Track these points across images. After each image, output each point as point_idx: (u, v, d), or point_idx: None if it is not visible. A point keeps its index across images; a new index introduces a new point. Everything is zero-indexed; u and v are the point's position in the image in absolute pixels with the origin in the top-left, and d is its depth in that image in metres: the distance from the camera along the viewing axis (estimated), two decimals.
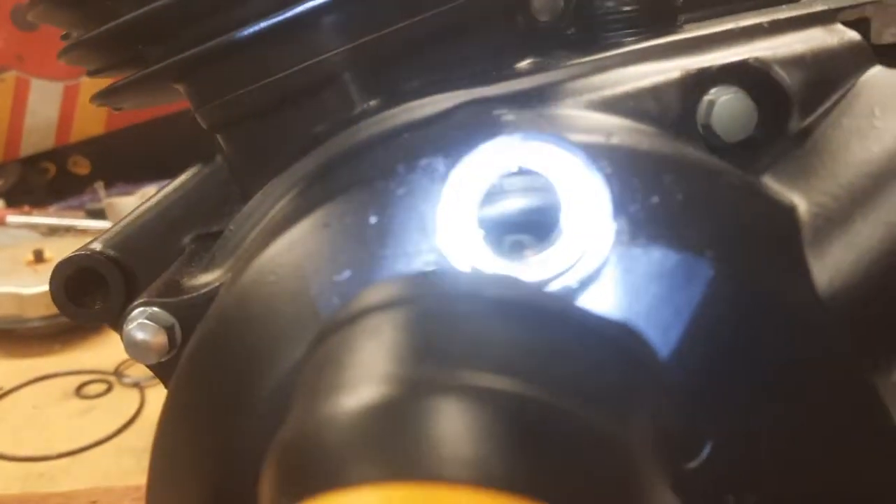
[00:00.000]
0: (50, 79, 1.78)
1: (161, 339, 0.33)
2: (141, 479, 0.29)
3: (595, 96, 0.32)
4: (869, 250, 0.25)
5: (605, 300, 0.24)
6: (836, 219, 0.26)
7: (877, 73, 0.30)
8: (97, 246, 0.44)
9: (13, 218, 1.54)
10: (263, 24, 0.33)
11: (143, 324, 0.33)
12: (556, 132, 0.26)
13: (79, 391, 1.04)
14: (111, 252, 0.43)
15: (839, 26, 0.33)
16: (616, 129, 0.29)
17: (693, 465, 0.24)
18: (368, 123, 0.34)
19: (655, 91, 0.31)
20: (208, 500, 0.25)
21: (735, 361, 0.24)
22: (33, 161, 1.86)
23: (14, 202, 1.73)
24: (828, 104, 0.30)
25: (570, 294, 0.24)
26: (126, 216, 0.46)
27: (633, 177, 0.25)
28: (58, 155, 1.86)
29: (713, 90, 0.32)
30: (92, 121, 1.81)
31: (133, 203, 0.72)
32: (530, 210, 0.27)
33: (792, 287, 0.25)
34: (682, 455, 0.24)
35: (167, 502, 0.28)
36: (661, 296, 0.24)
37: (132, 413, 0.97)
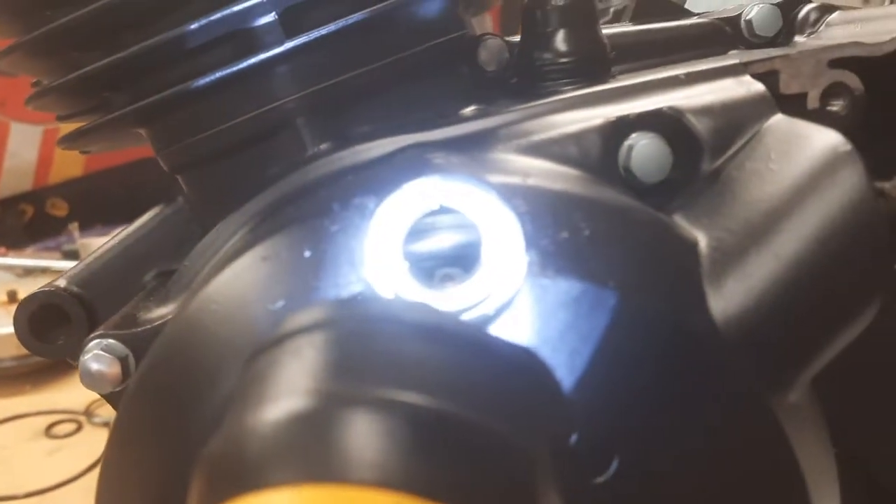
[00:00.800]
0: (30, 122, 1.80)
1: (115, 369, 0.35)
2: None
3: (524, 141, 0.35)
4: (759, 280, 0.27)
5: (518, 327, 0.26)
6: (731, 252, 0.28)
7: (777, 120, 0.33)
8: (61, 283, 0.46)
9: None
10: (217, 75, 0.36)
11: (98, 354, 0.34)
12: (479, 174, 0.29)
13: (48, 431, 1.05)
14: (74, 289, 0.45)
15: (747, 78, 0.36)
16: (536, 171, 0.31)
17: (601, 479, 0.26)
18: (316, 165, 0.36)
19: (578, 137, 0.34)
20: None
21: (639, 383, 0.27)
22: (11, 203, 1.87)
23: None
24: (734, 148, 0.33)
25: (486, 321, 0.26)
26: (90, 254, 0.48)
27: (545, 214, 0.27)
28: (36, 197, 1.87)
29: (633, 136, 0.34)
30: (70, 163, 1.83)
31: None
32: (460, 246, 0.29)
33: (690, 315, 0.27)
34: (590, 470, 0.26)
35: None
36: (569, 323, 0.26)
37: (101, 452, 0.97)
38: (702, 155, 0.34)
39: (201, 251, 0.37)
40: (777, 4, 0.49)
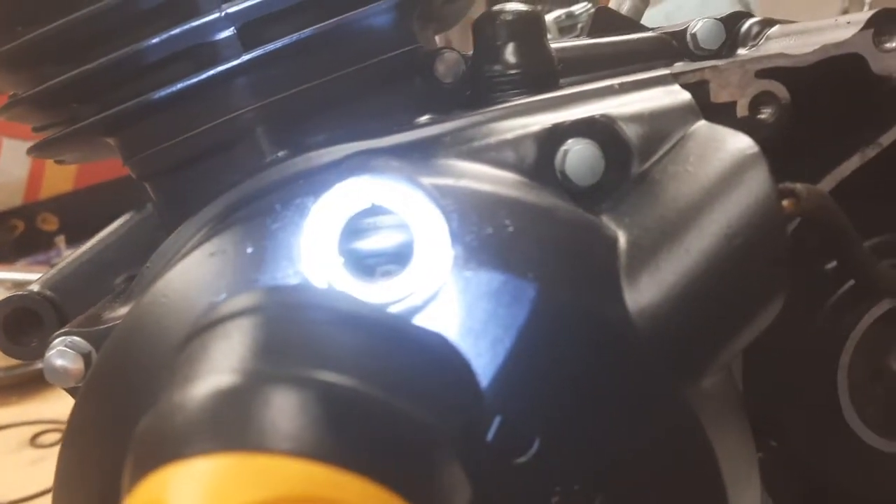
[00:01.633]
0: (21, 139, 1.82)
1: (79, 365, 0.36)
2: None
3: (464, 147, 0.37)
4: (670, 274, 0.29)
5: (444, 317, 0.28)
6: (647, 248, 0.30)
7: (699, 126, 0.35)
8: (34, 287, 0.48)
9: None
10: (176, 87, 0.38)
11: (62, 351, 0.36)
12: (413, 175, 0.31)
13: (33, 441, 1.06)
14: (47, 292, 0.47)
15: (676, 87, 0.38)
16: (470, 173, 0.33)
17: (523, 459, 0.28)
18: (270, 172, 0.38)
19: (515, 143, 0.36)
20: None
21: (557, 370, 0.28)
22: (2, 218, 1.89)
23: None
24: (661, 153, 0.35)
25: (414, 312, 0.28)
26: (63, 260, 0.50)
27: (471, 212, 0.29)
28: (27, 212, 1.89)
29: (568, 141, 0.36)
30: (61, 179, 1.85)
31: None
32: (399, 244, 0.31)
33: (605, 307, 0.29)
34: (512, 451, 0.28)
35: None
36: (490, 312, 0.28)
37: None
38: (631, 159, 0.36)
39: (162, 253, 0.39)
40: (720, 19, 0.51)
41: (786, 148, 0.40)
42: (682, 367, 0.29)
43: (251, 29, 0.39)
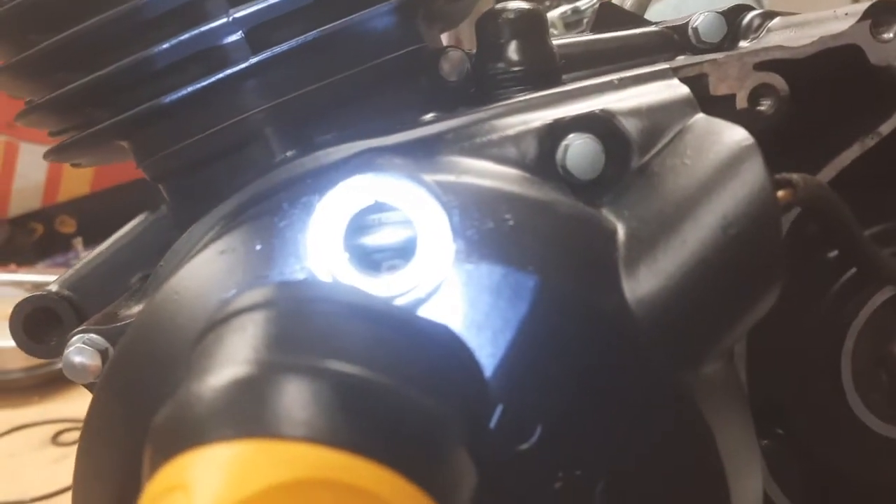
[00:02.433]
0: (38, 143, 1.84)
1: (96, 361, 0.38)
2: None
3: (467, 144, 0.38)
4: (668, 264, 0.30)
5: (447, 309, 0.29)
6: (645, 240, 0.31)
7: (697, 119, 0.36)
8: (53, 287, 0.49)
9: None
10: (186, 90, 0.39)
11: (80, 347, 0.38)
12: (416, 172, 0.32)
13: (55, 439, 1.08)
14: (65, 292, 0.48)
15: (674, 81, 0.39)
16: (472, 169, 0.34)
17: (525, 446, 0.29)
18: (279, 171, 0.39)
19: (516, 138, 0.37)
20: (114, 498, 0.30)
21: (558, 359, 0.29)
22: (21, 221, 1.91)
23: (2, 261, 1.77)
24: (659, 146, 0.36)
25: (418, 304, 0.29)
26: (81, 260, 0.52)
27: (472, 207, 0.30)
28: (45, 215, 1.92)
29: (569, 136, 0.37)
30: (78, 181, 1.88)
31: None
32: (405, 239, 0.32)
33: (604, 297, 0.30)
34: (515, 438, 0.29)
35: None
36: (492, 304, 0.29)
37: None
38: (631, 153, 0.36)
39: (175, 252, 0.40)
40: (721, 12, 0.52)
41: (786, 139, 0.41)
42: (680, 355, 0.30)
43: (259, 32, 0.40)
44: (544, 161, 0.37)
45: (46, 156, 0.46)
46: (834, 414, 0.44)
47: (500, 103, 0.41)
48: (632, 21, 0.60)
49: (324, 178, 0.35)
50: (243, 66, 0.40)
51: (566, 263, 0.30)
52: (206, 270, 0.32)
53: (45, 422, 1.11)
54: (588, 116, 0.37)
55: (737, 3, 0.54)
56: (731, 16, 0.52)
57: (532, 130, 0.37)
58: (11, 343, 1.23)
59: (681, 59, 0.49)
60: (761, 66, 0.40)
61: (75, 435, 1.08)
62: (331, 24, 0.41)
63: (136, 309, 0.39)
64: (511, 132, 0.37)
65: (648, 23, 0.60)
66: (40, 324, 0.48)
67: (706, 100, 0.40)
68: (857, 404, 0.44)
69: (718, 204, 0.31)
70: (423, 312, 0.29)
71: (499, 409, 0.29)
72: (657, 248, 0.30)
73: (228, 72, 0.40)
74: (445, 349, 0.26)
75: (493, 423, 0.29)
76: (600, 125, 0.37)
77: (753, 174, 0.31)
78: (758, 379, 0.43)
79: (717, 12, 0.52)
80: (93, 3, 0.39)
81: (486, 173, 0.34)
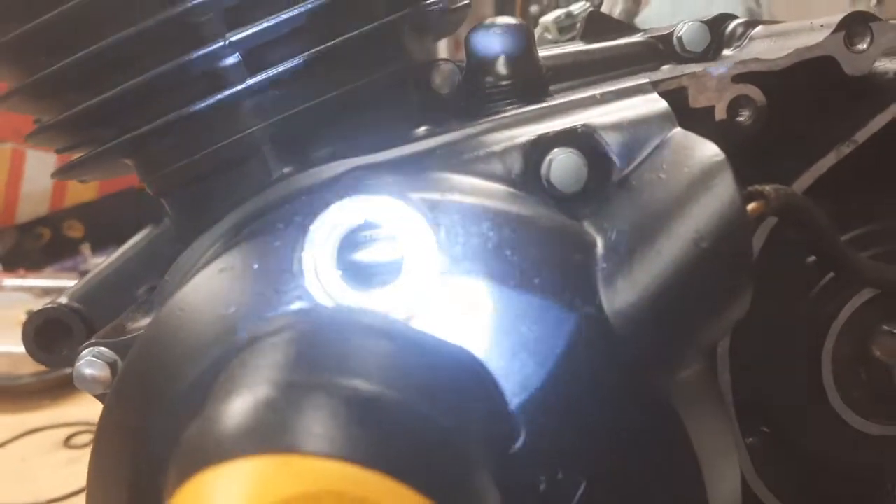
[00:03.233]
0: (45, 149, 1.87)
1: (106, 372, 0.39)
2: None
3: (455, 160, 0.39)
4: (643, 275, 0.32)
5: (433, 323, 0.31)
6: (622, 252, 0.33)
7: (674, 133, 0.37)
8: (63, 300, 0.51)
9: (8, 281, 1.61)
10: (188, 110, 0.41)
11: (90, 360, 0.39)
12: (404, 191, 0.33)
13: (67, 442, 1.10)
14: (75, 304, 0.50)
15: (654, 96, 0.40)
16: (458, 186, 0.36)
17: (511, 450, 0.31)
18: (275, 188, 0.41)
19: (503, 154, 0.39)
20: (124, 501, 0.32)
21: (540, 367, 0.31)
22: (29, 227, 1.94)
23: (10, 266, 1.80)
24: (639, 160, 0.38)
25: (407, 319, 0.31)
26: (89, 273, 0.54)
27: (457, 224, 0.32)
28: (53, 220, 1.94)
29: (553, 151, 0.39)
30: (85, 186, 1.90)
31: None
32: (395, 255, 0.33)
33: (583, 309, 0.31)
34: (505, 441, 0.31)
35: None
36: (475, 318, 0.31)
37: None
38: (612, 166, 0.38)
39: (178, 267, 0.42)
40: (705, 21, 0.53)
41: (764, 148, 0.43)
42: (656, 362, 0.32)
43: (255, 54, 0.42)
44: (529, 175, 0.39)
45: (55, 175, 0.48)
46: (816, 412, 0.46)
47: (488, 119, 0.43)
48: (620, 29, 0.62)
49: (316, 196, 0.37)
50: (240, 87, 0.42)
51: (546, 277, 0.32)
52: (207, 288, 0.33)
53: (57, 425, 1.13)
54: (571, 131, 0.39)
55: (742, 7, 0.56)
56: (715, 25, 0.53)
57: (517, 146, 0.39)
58: (22, 348, 1.25)
59: (665, 70, 0.51)
60: (739, 79, 0.42)
61: (87, 438, 1.11)
62: (323, 45, 0.42)
63: (143, 322, 0.41)
64: (497, 148, 0.39)
65: (636, 30, 0.61)
66: (51, 335, 0.50)
67: (686, 112, 0.41)
68: (837, 402, 0.45)
69: (691, 218, 0.32)
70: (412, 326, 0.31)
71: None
72: (634, 261, 0.32)
73: (226, 93, 0.42)
74: (465, 371, 0.27)
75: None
76: (582, 140, 0.38)
77: (724, 189, 0.32)
78: (742, 378, 0.44)
79: (701, 22, 0.53)
80: (97, 27, 0.41)
81: (472, 190, 0.36)
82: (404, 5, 0.45)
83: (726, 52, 0.53)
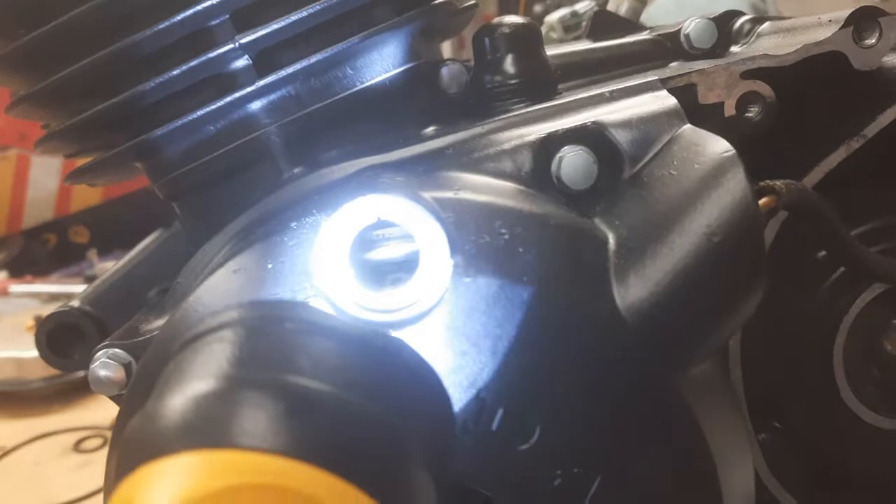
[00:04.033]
0: (51, 155, 1.87)
1: (120, 374, 0.40)
2: None
3: (466, 159, 0.39)
4: (655, 271, 0.32)
5: (447, 320, 0.31)
6: (634, 248, 0.33)
7: (684, 130, 0.38)
8: (75, 303, 0.51)
9: (15, 287, 1.61)
10: (198, 113, 0.41)
11: (105, 362, 0.40)
12: (416, 190, 0.34)
13: (77, 446, 1.10)
14: (86, 308, 0.50)
15: (664, 93, 0.40)
16: (470, 185, 0.36)
17: (526, 446, 0.31)
18: (286, 189, 0.41)
19: (513, 152, 0.39)
20: None
21: (554, 364, 0.31)
22: (35, 233, 1.95)
23: (17, 272, 1.80)
24: (649, 156, 0.38)
25: (420, 317, 0.31)
26: (101, 276, 0.54)
27: (469, 222, 0.32)
28: (58, 225, 1.95)
29: (563, 149, 0.39)
30: (90, 191, 1.91)
31: None
32: (408, 254, 0.33)
33: (596, 304, 0.31)
34: (516, 439, 0.31)
35: None
36: (489, 314, 0.31)
37: None
38: (622, 164, 0.38)
39: (191, 268, 0.42)
40: (713, 18, 0.53)
41: (774, 143, 0.43)
42: (669, 357, 0.32)
43: (264, 56, 0.42)
44: (540, 173, 0.39)
45: (67, 180, 0.48)
46: (828, 407, 0.46)
47: (497, 118, 0.43)
48: (626, 27, 0.62)
49: (328, 196, 0.37)
50: (250, 89, 0.42)
51: (559, 273, 0.32)
52: (221, 288, 0.33)
53: (67, 430, 1.14)
54: (580, 129, 0.39)
55: (747, 5, 0.56)
56: (723, 22, 0.53)
57: (527, 144, 0.39)
58: (33, 353, 1.26)
59: (673, 67, 0.51)
60: (748, 75, 0.42)
61: (97, 442, 1.11)
62: (333, 47, 0.42)
63: (157, 323, 0.41)
64: (507, 146, 0.39)
65: (642, 28, 0.61)
66: (64, 339, 0.50)
67: (696, 108, 0.41)
68: (849, 397, 0.45)
69: (702, 213, 0.32)
70: (426, 325, 0.31)
71: (500, 413, 0.31)
72: (646, 256, 0.32)
73: (235, 95, 0.42)
74: (414, 374, 0.27)
75: (494, 426, 0.30)
76: (592, 137, 0.39)
77: (735, 184, 0.32)
78: (754, 375, 0.44)
79: (708, 18, 0.53)
80: (108, 32, 0.41)
81: (483, 188, 0.36)
82: (413, 6, 0.46)
83: (734, 48, 0.53)
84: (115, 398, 0.41)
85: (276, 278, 0.32)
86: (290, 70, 0.42)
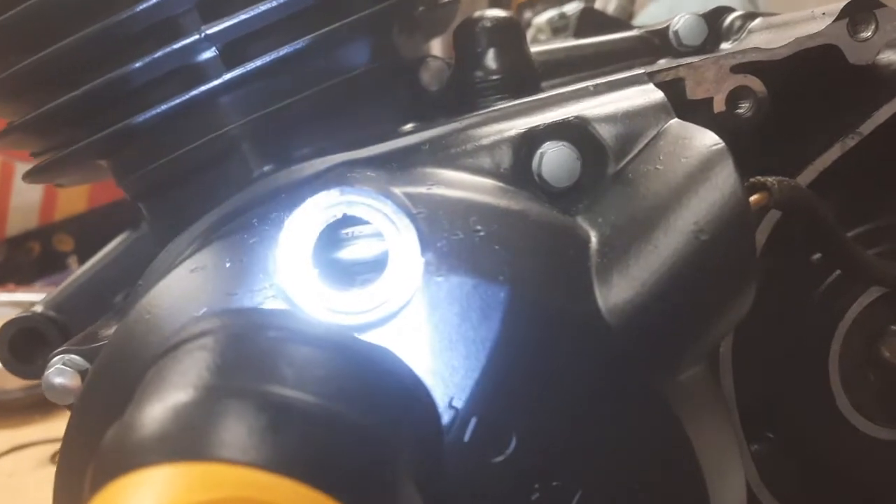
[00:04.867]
0: (32, 162, 1.85)
1: (77, 382, 0.37)
2: None
3: (442, 154, 0.37)
4: (640, 270, 0.30)
5: (418, 322, 0.29)
6: (617, 247, 0.31)
7: (671, 124, 0.36)
8: (38, 308, 0.49)
9: None
10: (159, 109, 0.39)
11: (60, 369, 0.37)
12: (387, 185, 0.32)
13: (54, 458, 1.07)
14: (50, 312, 0.48)
15: (650, 87, 0.38)
16: (444, 180, 0.34)
17: (500, 458, 0.29)
18: (255, 187, 0.39)
19: (491, 148, 0.37)
20: None
21: (531, 368, 0.29)
22: (19, 241, 1.92)
23: (0, 281, 1.78)
24: (635, 152, 0.36)
25: (389, 318, 0.29)
26: (66, 281, 0.52)
27: (442, 218, 0.30)
28: (42, 233, 1.92)
29: (545, 144, 0.37)
30: (75, 199, 1.88)
31: None
32: (377, 253, 0.31)
33: (577, 305, 0.29)
34: (490, 450, 0.29)
35: None
36: (463, 316, 0.29)
37: None
38: (606, 159, 0.36)
39: (153, 270, 0.40)
40: (702, 15, 0.52)
41: (766, 141, 0.41)
42: (655, 362, 0.30)
43: (232, 48, 0.40)
44: (520, 170, 0.37)
45: (26, 177, 0.46)
46: (823, 417, 0.44)
47: (476, 113, 0.41)
48: (613, 25, 0.60)
49: (296, 194, 0.35)
50: (217, 82, 0.40)
51: (537, 273, 0.30)
52: (177, 288, 0.31)
53: (46, 441, 1.11)
54: (563, 124, 0.37)
55: (741, 2, 0.54)
56: (712, 18, 0.52)
57: (507, 140, 0.37)
58: None
59: (660, 63, 0.49)
60: (738, 69, 0.40)
61: None
62: (303, 39, 0.40)
63: (115, 328, 0.39)
64: (486, 142, 0.37)
65: (630, 27, 0.60)
66: (26, 344, 0.48)
67: (684, 104, 0.40)
68: (845, 406, 0.43)
69: (690, 209, 0.30)
70: (394, 327, 0.29)
71: (473, 422, 0.28)
72: (630, 255, 0.30)
73: (202, 89, 0.40)
74: (392, 375, 0.26)
75: (467, 437, 0.28)
76: (575, 132, 0.37)
77: (724, 179, 0.31)
78: (746, 382, 0.42)
79: (698, 15, 0.52)
80: (68, 23, 0.39)
81: (459, 184, 0.34)
82: None
83: (724, 45, 0.51)
84: (70, 407, 0.38)
85: (234, 277, 0.30)
86: (258, 63, 0.40)
